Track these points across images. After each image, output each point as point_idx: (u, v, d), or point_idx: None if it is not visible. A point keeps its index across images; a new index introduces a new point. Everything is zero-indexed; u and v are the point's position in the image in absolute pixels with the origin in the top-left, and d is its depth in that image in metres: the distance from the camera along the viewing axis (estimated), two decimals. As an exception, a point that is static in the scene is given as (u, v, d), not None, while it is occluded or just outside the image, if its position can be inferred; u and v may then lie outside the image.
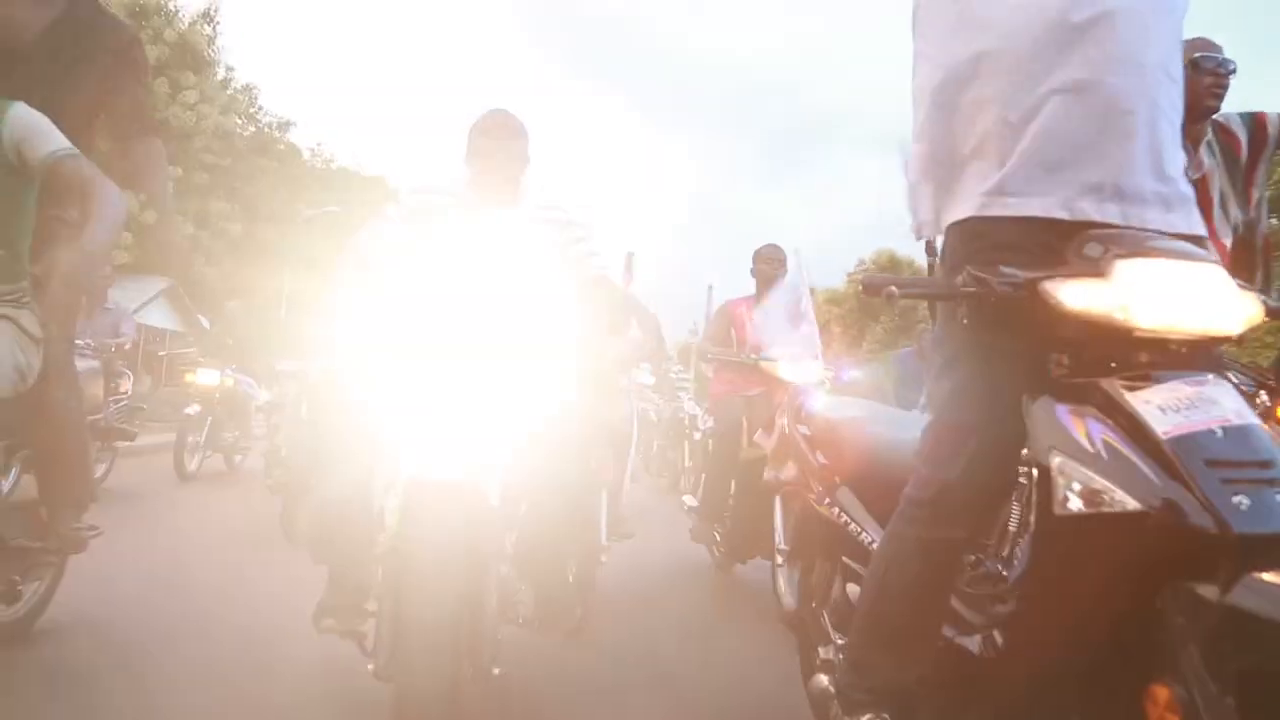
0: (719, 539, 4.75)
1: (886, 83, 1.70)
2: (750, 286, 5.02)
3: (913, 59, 1.66)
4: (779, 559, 4.25)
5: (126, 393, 6.69)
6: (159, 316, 23.39)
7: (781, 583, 4.20)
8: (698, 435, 7.47)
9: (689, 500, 5.27)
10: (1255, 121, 2.95)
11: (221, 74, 23.99)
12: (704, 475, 5.19)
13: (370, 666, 2.13)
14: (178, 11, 22.29)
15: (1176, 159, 1.54)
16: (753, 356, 4.52)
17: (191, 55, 22.08)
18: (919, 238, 1.68)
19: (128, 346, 6.30)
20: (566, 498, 2.60)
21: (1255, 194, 2.95)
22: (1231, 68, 2.87)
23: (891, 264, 31.89)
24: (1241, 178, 2.92)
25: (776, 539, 4.22)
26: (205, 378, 7.77)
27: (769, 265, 4.86)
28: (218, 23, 23.35)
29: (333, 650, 2.39)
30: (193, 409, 7.53)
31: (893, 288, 1.42)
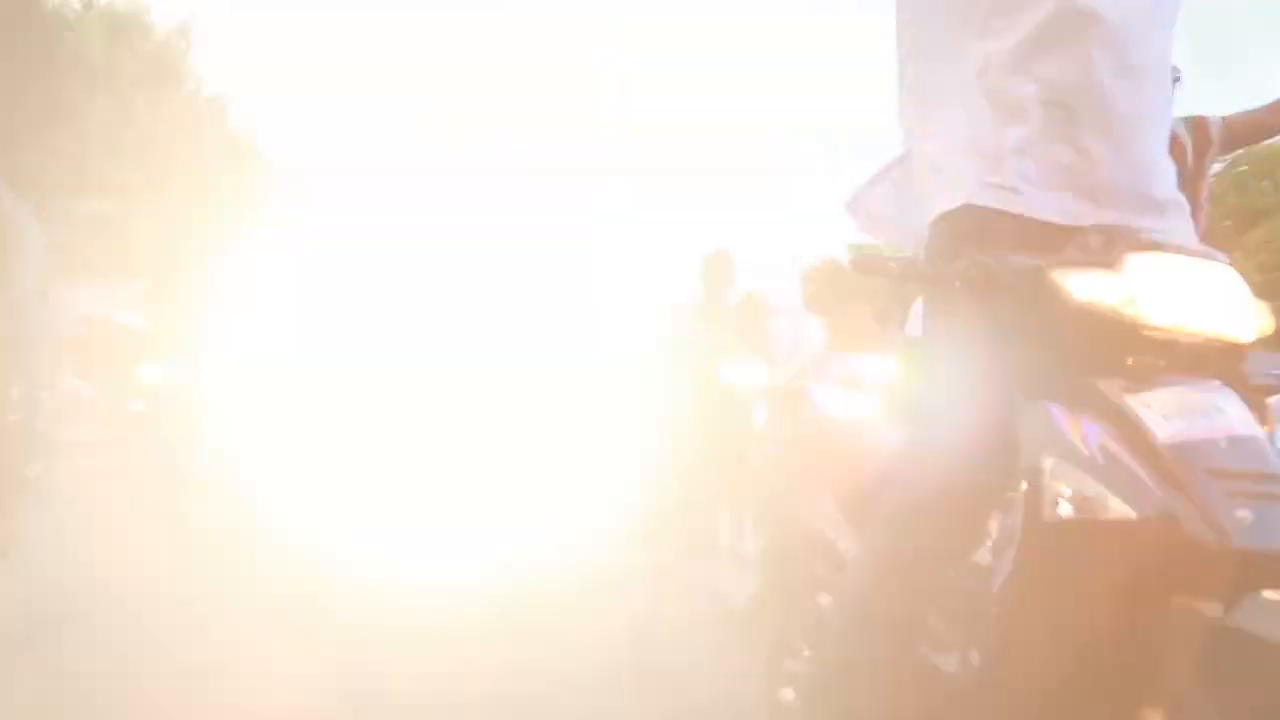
0: (668, 541, 4.64)
1: (881, 84, 1.55)
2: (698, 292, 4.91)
3: (896, 49, 1.52)
4: (726, 561, 4.17)
5: (62, 392, 6.30)
6: (139, 319, 22.57)
7: (729, 584, 4.11)
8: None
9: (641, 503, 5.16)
10: (1196, 126, 2.87)
11: (192, 86, 23.48)
12: (653, 477, 5.08)
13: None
14: (153, 27, 21.81)
15: (1168, 165, 1.43)
16: (698, 362, 4.45)
17: (168, 69, 21.65)
18: (881, 237, 1.54)
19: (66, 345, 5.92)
20: None
21: (1204, 190, 2.86)
22: (1177, 75, 2.80)
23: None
24: (1190, 184, 2.84)
25: (724, 540, 4.15)
26: (149, 373, 7.38)
27: (717, 270, 4.77)
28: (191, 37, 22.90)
29: (292, 648, 2.23)
30: (137, 405, 7.15)
31: (891, 263, 1.28)
